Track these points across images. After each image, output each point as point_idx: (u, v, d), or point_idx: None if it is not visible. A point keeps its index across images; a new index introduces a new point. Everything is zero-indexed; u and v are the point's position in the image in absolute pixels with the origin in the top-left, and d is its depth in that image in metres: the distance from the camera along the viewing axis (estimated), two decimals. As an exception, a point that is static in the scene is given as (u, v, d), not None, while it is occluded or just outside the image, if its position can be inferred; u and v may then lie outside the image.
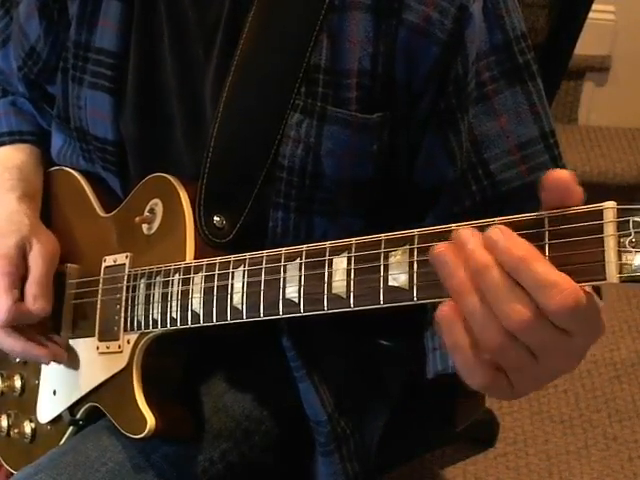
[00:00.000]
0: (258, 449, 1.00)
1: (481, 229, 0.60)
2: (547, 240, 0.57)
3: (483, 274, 0.59)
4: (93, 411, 0.99)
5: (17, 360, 1.11)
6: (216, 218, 0.89)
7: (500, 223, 0.60)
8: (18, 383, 1.11)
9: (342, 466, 0.98)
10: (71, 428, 1.02)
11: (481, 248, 0.59)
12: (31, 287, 0.99)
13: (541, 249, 0.57)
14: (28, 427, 1.08)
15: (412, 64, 0.84)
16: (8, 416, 1.12)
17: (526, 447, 1.77)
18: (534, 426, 1.82)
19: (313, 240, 0.77)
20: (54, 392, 1.04)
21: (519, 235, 0.58)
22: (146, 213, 0.94)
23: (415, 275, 0.64)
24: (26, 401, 1.10)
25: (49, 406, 1.05)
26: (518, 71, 0.86)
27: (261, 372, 1.03)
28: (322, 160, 0.87)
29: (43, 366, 1.07)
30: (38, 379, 1.07)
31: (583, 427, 1.82)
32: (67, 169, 1.09)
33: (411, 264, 0.65)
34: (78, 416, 1.01)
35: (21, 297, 0.99)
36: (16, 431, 1.10)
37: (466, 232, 0.60)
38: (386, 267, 0.66)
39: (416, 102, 0.86)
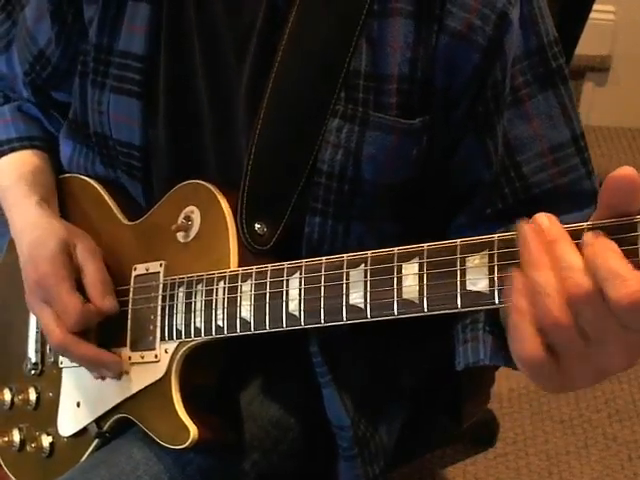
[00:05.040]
0: (285, 457, 1.00)
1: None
2: (640, 244, 0.58)
3: (555, 244, 0.60)
4: (120, 423, 0.98)
5: (32, 372, 1.09)
6: (257, 225, 0.88)
7: (589, 228, 0.61)
8: (33, 396, 1.08)
9: (363, 470, 0.98)
10: (96, 441, 1.00)
11: (557, 225, 0.61)
12: (94, 286, 0.96)
13: (634, 252, 0.58)
14: (46, 441, 1.05)
15: (452, 70, 0.84)
16: (20, 430, 1.09)
17: (526, 447, 1.78)
18: (534, 426, 1.83)
19: (348, 245, 0.76)
20: (78, 404, 1.02)
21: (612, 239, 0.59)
22: (181, 220, 0.93)
23: (496, 280, 0.64)
24: (42, 414, 1.07)
25: (73, 419, 1.02)
26: (551, 75, 0.88)
27: (285, 379, 1.03)
28: (362, 165, 0.87)
29: (64, 378, 1.04)
30: (57, 391, 1.05)
31: (583, 427, 1.83)
32: (81, 177, 1.07)
33: (491, 268, 0.65)
34: (105, 428, 0.99)
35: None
36: (33, 445, 1.07)
37: (542, 217, 0.62)
38: (463, 272, 0.66)
39: (454, 106, 0.86)
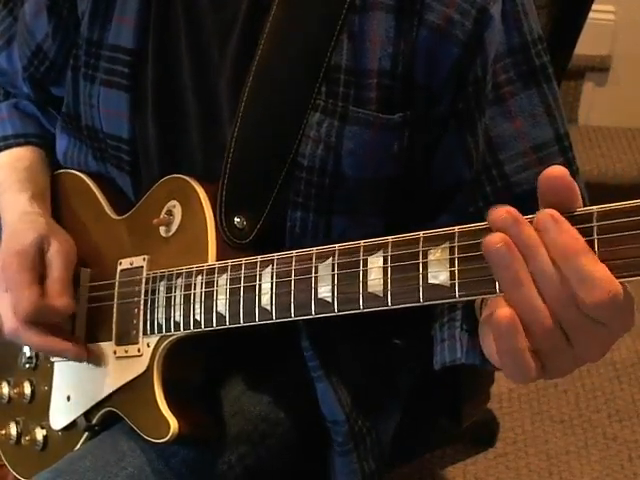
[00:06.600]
0: (274, 451, 1.00)
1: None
2: (596, 235, 0.58)
3: (534, 255, 0.60)
4: (109, 416, 0.99)
5: (27, 366, 1.10)
6: (237, 219, 0.89)
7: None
8: (28, 390, 1.09)
9: (359, 465, 0.98)
10: (86, 434, 1.01)
11: (530, 229, 0.60)
12: (53, 284, 0.97)
13: (590, 244, 0.58)
14: (40, 434, 1.07)
15: (432, 64, 0.84)
16: (17, 423, 1.11)
17: (526, 447, 1.78)
18: (534, 426, 1.82)
19: (331, 239, 0.77)
20: (68, 398, 1.03)
21: None
22: (163, 215, 0.93)
23: (456, 273, 0.64)
24: (37, 408, 1.08)
25: (63, 412, 1.04)
26: (534, 73, 0.87)
27: (277, 374, 1.03)
28: (342, 160, 0.87)
29: (56, 372, 1.06)
30: (50, 385, 1.06)
31: (583, 427, 1.83)
32: (73, 172, 1.08)
33: (452, 261, 0.65)
34: (94, 421, 1.00)
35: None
36: (27, 438, 1.08)
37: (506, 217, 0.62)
38: (425, 265, 0.67)
39: (435, 102, 0.86)
